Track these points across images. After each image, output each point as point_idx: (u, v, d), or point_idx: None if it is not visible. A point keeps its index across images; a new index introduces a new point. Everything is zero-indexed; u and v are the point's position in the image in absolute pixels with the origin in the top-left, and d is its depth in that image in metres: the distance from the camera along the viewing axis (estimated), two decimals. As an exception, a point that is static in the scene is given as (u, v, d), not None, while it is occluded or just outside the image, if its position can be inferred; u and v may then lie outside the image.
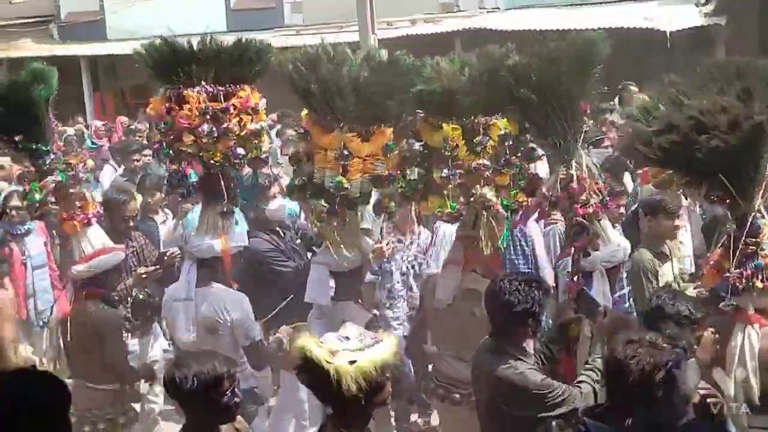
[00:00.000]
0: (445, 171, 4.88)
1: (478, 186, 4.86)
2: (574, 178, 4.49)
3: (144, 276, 5.79)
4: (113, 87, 21.75)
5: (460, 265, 5.06)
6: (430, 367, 5.67)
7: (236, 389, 3.50)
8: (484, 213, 4.90)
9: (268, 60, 5.24)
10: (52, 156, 5.10)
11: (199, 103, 4.92)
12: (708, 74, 4.49)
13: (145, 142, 11.24)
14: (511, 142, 4.82)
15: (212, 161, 5.02)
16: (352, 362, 3.15)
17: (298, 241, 6.72)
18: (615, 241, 4.75)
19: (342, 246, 5.09)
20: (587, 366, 4.19)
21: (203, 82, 4.97)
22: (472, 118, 4.84)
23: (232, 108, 5.00)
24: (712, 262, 4.52)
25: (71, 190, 5.12)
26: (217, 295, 5.12)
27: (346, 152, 4.77)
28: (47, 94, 5.07)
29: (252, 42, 5.22)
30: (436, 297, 5.06)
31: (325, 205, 4.95)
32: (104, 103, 20.96)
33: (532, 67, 4.48)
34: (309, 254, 6.38)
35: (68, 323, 5.13)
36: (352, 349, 3.21)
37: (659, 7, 15.82)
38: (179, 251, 6.00)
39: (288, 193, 5.43)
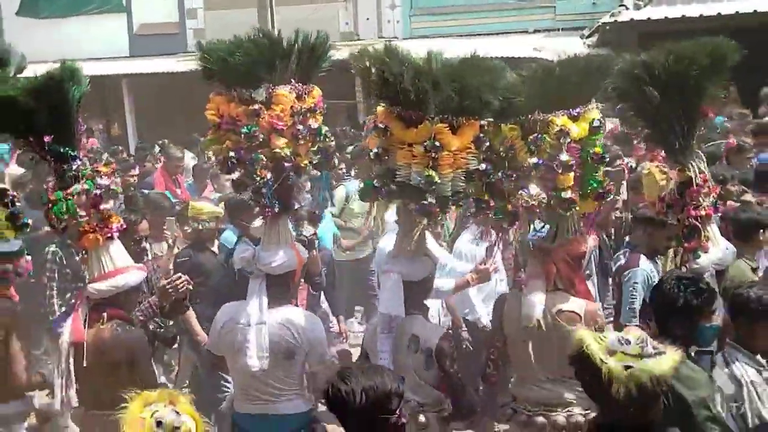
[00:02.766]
0: (500, 173, 4.84)
1: (532, 186, 4.78)
2: (693, 180, 4.74)
3: (169, 289, 5.34)
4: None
5: (541, 281, 4.95)
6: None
7: (404, 410, 3.37)
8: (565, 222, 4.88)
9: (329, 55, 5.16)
10: (79, 162, 4.85)
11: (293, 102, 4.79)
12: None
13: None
14: (568, 141, 4.73)
15: (303, 164, 4.92)
16: (627, 367, 3.14)
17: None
18: (723, 245, 5.07)
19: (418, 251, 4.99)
20: None
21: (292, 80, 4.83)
22: (529, 116, 4.78)
23: (317, 107, 4.94)
24: None
25: (99, 202, 4.87)
26: (290, 315, 4.93)
27: (437, 144, 4.59)
28: (79, 94, 4.84)
29: (322, 34, 5.03)
30: (524, 314, 4.88)
31: (414, 204, 4.78)
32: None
33: (666, 62, 4.63)
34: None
35: (83, 346, 4.81)
36: (631, 354, 3.21)
37: (546, 39, 16.67)
38: (187, 278, 5.62)
39: (362, 196, 5.21)
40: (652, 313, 4.48)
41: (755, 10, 14.57)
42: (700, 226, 4.79)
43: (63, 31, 16.98)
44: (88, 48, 15.90)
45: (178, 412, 3.30)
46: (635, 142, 9.71)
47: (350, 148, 10.82)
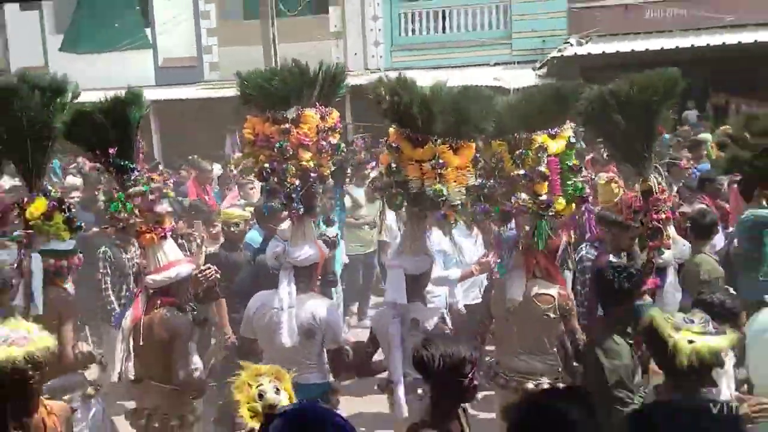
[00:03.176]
0: (491, 181, 4.92)
1: (520, 194, 4.84)
2: (654, 190, 4.69)
3: (200, 278, 5.31)
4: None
5: (524, 270, 5.01)
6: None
7: (477, 373, 3.46)
8: (542, 221, 4.92)
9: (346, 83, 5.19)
10: (137, 172, 4.84)
11: (318, 122, 4.83)
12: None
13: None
14: (546, 155, 4.83)
15: (325, 174, 4.93)
16: (690, 341, 3.27)
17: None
18: (681, 242, 5.14)
19: (420, 251, 4.97)
20: None
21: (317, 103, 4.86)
22: (515, 135, 4.85)
23: (336, 126, 5.01)
24: None
25: (153, 205, 4.86)
26: (313, 301, 4.91)
27: (441, 161, 4.62)
28: (139, 115, 4.88)
29: (339, 66, 5.09)
30: (509, 297, 4.95)
31: (419, 212, 4.82)
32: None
33: (629, 91, 4.64)
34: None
35: (140, 329, 4.83)
36: (695, 331, 3.33)
37: (504, 71, 16.80)
38: (215, 268, 5.57)
39: (389, 204, 5.17)
40: (597, 300, 4.48)
41: (677, 47, 14.97)
42: (662, 227, 4.77)
43: (99, 64, 16.78)
44: (121, 78, 15.41)
45: (278, 390, 3.33)
46: (587, 156, 9.68)
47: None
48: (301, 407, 2.31)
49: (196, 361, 5.32)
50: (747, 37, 14.89)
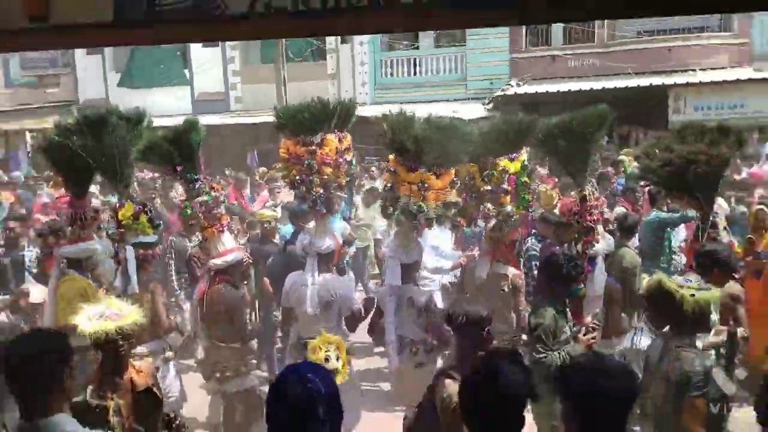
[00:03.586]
0: (464, 195, 5.02)
1: (487, 204, 5.02)
2: (588, 198, 4.74)
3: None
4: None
5: (489, 257, 5.12)
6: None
7: (492, 331, 3.37)
8: (502, 221, 5.01)
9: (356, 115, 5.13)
10: (200, 183, 4.96)
11: (337, 144, 4.83)
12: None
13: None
14: (507, 175, 4.93)
15: (342, 184, 4.96)
16: (692, 295, 3.31)
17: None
18: (608, 237, 5.04)
19: (410, 247, 5.01)
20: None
21: (336, 130, 4.87)
22: (485, 158, 4.95)
23: (349, 147, 5.00)
24: (687, 244, 4.87)
25: (213, 207, 4.99)
26: (331, 280, 4.95)
27: (426, 185, 4.71)
28: (198, 139, 4.96)
29: (351, 102, 5.09)
30: (477, 275, 5.10)
31: (406, 220, 4.84)
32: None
33: (571, 123, 4.68)
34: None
35: (204, 300, 4.94)
36: (694, 287, 3.37)
37: (461, 105, 16.32)
38: (248, 256, 5.64)
39: (383, 213, 5.28)
40: (546, 280, 4.20)
41: (591, 88, 15.05)
42: (593, 226, 4.73)
43: (149, 97, 16.37)
44: (166, 108, 15.67)
45: (338, 357, 3.31)
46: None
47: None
48: (288, 368, 2.12)
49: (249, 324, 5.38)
50: (643, 81, 15.19)
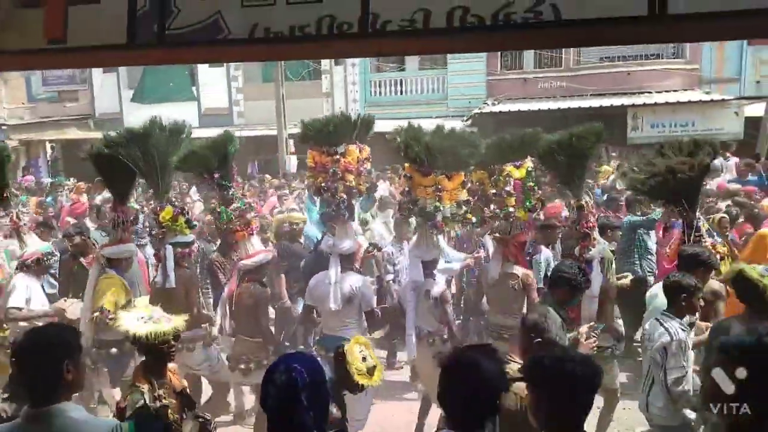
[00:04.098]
0: (475, 198, 4.97)
1: (492, 205, 4.97)
2: (584, 207, 4.72)
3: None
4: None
5: (500, 257, 5.02)
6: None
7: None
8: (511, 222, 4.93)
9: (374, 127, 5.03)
10: (233, 190, 4.92)
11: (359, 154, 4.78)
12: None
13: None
14: (512, 180, 4.87)
15: (362, 190, 4.89)
16: None
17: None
18: (603, 242, 4.95)
19: (429, 245, 4.91)
20: None
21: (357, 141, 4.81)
22: (493, 165, 4.92)
23: (368, 157, 4.93)
24: (673, 248, 4.79)
25: (246, 213, 4.97)
26: (352, 278, 4.84)
27: (440, 187, 4.65)
28: (234, 150, 4.93)
29: (370, 116, 5.01)
30: (489, 275, 5.00)
31: (424, 220, 4.78)
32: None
33: (570, 139, 4.65)
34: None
35: (233, 298, 4.89)
36: None
37: (443, 122, 14.81)
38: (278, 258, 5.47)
39: (401, 215, 5.24)
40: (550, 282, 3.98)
41: (559, 108, 15.17)
42: (589, 233, 4.72)
43: (159, 112, 16.09)
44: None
45: (369, 356, 3.27)
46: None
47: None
48: (280, 357, 2.11)
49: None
50: (605, 102, 15.24)
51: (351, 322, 4.73)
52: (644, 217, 6.39)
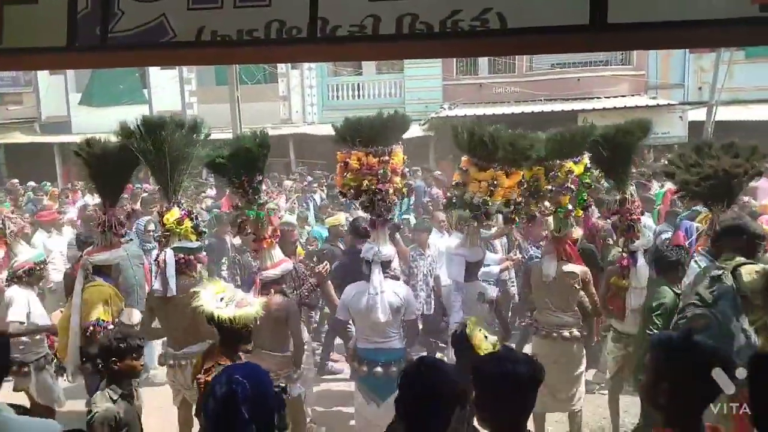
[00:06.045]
0: (527, 194, 4.77)
1: (546, 202, 4.85)
2: (629, 199, 4.75)
3: (324, 272, 5.03)
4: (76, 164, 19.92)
5: (554, 256, 4.89)
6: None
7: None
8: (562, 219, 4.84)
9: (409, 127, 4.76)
10: (261, 194, 4.60)
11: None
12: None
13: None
14: (572, 176, 4.74)
15: (404, 192, 4.69)
16: None
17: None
18: (648, 234, 4.99)
19: (475, 245, 4.73)
20: None
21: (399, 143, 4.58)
22: (550, 162, 4.74)
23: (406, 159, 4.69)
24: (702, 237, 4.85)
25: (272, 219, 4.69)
26: (395, 287, 4.58)
27: (495, 183, 4.47)
28: (266, 153, 4.54)
29: (407, 116, 4.73)
30: (545, 273, 4.84)
31: (470, 214, 4.54)
32: (69, 175, 18.32)
33: (616, 133, 4.66)
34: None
35: None
36: None
37: None
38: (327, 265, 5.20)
39: (447, 206, 4.92)
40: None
41: (512, 112, 15.23)
42: (633, 224, 4.74)
43: (108, 115, 15.44)
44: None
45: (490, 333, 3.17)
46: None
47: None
48: (224, 369, 2.12)
49: (305, 336, 4.94)
50: (556, 106, 15.49)
51: (394, 333, 4.48)
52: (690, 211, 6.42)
